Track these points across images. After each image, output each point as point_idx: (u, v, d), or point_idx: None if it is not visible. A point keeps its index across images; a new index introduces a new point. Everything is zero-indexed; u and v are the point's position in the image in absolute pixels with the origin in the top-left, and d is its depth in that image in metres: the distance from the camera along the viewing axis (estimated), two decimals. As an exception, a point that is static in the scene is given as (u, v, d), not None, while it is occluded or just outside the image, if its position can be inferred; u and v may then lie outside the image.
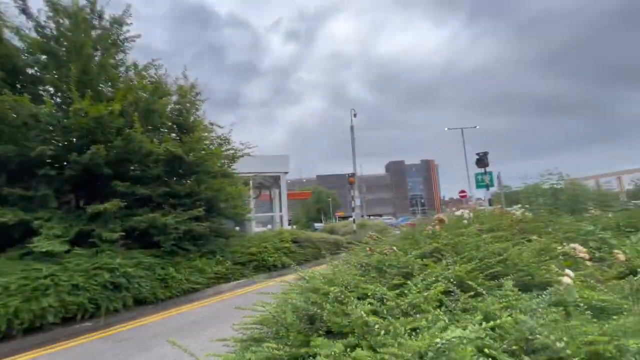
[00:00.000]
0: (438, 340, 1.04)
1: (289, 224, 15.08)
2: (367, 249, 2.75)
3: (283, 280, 2.56)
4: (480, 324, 1.25)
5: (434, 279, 1.80)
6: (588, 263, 2.81)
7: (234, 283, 8.42)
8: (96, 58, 7.80)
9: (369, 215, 46.67)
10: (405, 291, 1.94)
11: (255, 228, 15.79)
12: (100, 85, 7.61)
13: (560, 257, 2.85)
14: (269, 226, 15.24)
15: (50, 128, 6.37)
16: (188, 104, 10.08)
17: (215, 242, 8.83)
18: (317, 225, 40.11)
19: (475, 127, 32.31)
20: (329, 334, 1.71)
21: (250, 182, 13.69)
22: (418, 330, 1.39)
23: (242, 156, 11.01)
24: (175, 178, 9.11)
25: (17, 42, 7.01)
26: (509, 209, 5.64)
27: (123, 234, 6.41)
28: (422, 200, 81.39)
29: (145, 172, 7.50)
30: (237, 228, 12.12)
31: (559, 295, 1.85)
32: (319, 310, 1.78)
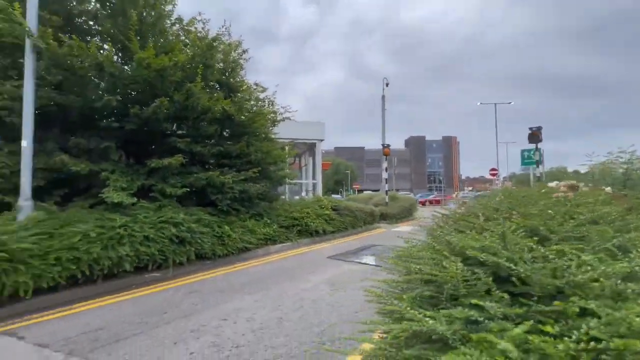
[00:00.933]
0: None
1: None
2: (505, 217, 2.57)
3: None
4: None
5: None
6: None
7: (280, 245, 8.53)
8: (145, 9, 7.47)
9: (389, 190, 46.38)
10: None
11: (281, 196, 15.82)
12: (154, 37, 7.33)
13: None
14: (303, 194, 15.23)
15: (112, 79, 6.23)
16: (233, 63, 9.74)
17: (260, 205, 8.86)
18: (334, 196, 40.28)
19: (510, 102, 30.71)
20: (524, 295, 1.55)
21: (287, 148, 13.52)
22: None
23: (283, 120, 10.77)
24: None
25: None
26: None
27: (187, 189, 6.42)
28: (441, 178, 79.97)
29: (199, 130, 7.39)
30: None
31: None
32: (518, 268, 1.61)
